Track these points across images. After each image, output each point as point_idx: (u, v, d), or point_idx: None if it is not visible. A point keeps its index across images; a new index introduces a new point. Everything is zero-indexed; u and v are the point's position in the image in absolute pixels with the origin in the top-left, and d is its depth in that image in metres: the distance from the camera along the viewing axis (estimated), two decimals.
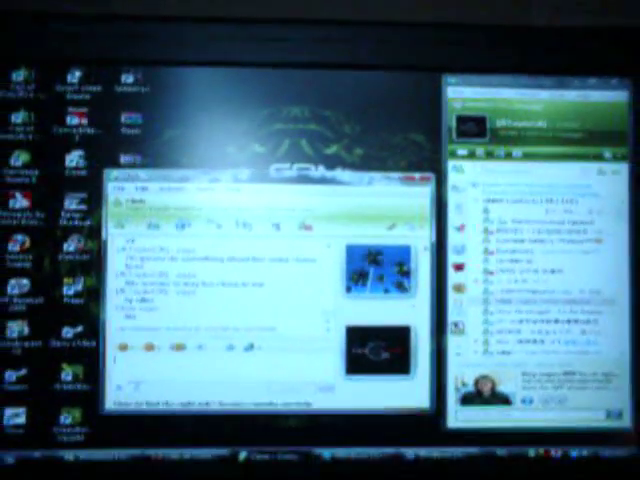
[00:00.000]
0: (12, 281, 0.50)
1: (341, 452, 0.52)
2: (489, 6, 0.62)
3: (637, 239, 0.54)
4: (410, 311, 0.53)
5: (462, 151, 0.53)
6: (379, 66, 0.52)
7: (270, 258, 0.52)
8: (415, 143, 0.53)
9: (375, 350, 0.52)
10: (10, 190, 0.51)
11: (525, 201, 0.53)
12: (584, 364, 0.53)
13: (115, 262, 0.51)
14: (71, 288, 0.51)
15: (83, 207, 0.51)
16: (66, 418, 0.51)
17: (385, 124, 0.52)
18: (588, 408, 0.53)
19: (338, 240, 0.52)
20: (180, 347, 0.51)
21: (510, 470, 0.53)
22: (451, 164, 0.53)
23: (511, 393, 0.53)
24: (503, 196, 0.53)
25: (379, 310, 0.52)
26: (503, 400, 0.53)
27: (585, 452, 0.53)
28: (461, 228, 0.53)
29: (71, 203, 0.51)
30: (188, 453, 0.51)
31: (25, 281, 0.51)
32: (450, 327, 0.53)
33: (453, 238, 0.53)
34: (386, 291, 0.52)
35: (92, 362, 0.51)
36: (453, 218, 0.53)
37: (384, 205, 0.52)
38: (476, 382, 0.53)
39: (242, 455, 0.52)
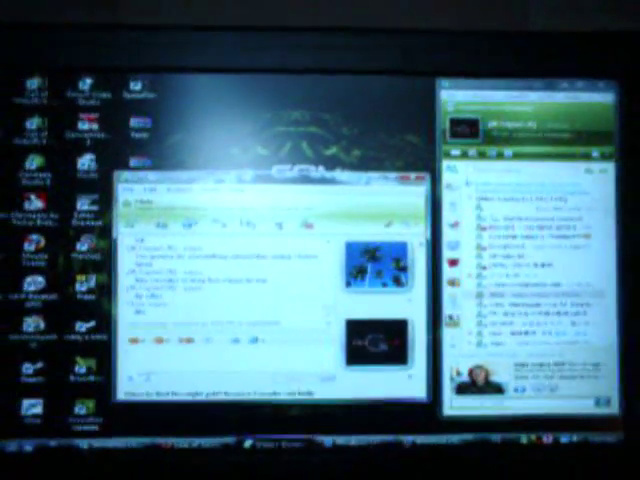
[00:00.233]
0: (28, 279, 0.52)
1: (342, 439, 0.54)
2: (486, 12, 0.64)
3: (624, 234, 0.55)
4: (407, 305, 0.54)
5: (455, 151, 0.55)
6: (376, 71, 0.54)
7: (273, 255, 0.54)
8: (411, 144, 0.55)
9: (374, 342, 0.54)
10: (25, 192, 0.53)
11: (516, 199, 0.55)
12: (574, 354, 0.55)
13: (125, 260, 0.53)
14: (84, 285, 0.53)
15: (94, 208, 0.53)
16: (80, 408, 0.53)
17: (382, 126, 0.54)
18: (578, 396, 0.55)
19: (338, 237, 0.54)
20: (188, 340, 0.53)
21: (503, 455, 0.55)
22: (445, 164, 0.55)
23: (504, 382, 0.55)
24: (495, 194, 0.55)
25: (377, 304, 0.54)
26: (496, 389, 0.55)
27: (575, 438, 0.55)
28: (455, 225, 0.55)
29: (83, 204, 0.53)
30: (196, 441, 0.54)
31: (40, 279, 0.53)
32: (445, 320, 0.55)
33: (447, 235, 0.55)
34: (384, 285, 0.54)
35: (104, 355, 0.53)
36: (447, 215, 0.55)
37: (381, 203, 0.54)
38: (470, 372, 0.55)
39: (247, 443, 0.54)
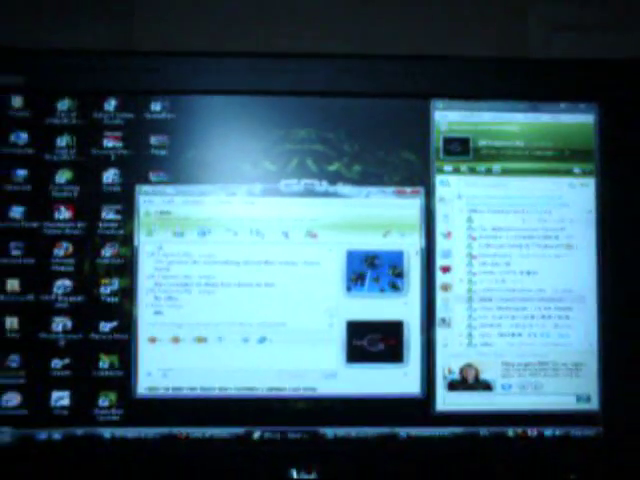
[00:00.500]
0: (57, 282, 0.57)
1: (342, 431, 0.58)
2: (483, 39, 0.68)
3: (603, 244, 0.59)
4: (403, 308, 0.58)
5: (448, 167, 0.59)
6: (375, 94, 0.59)
7: (280, 262, 0.58)
8: (407, 161, 0.59)
9: (372, 342, 0.58)
10: (55, 204, 0.57)
11: (504, 211, 0.59)
12: (557, 354, 0.59)
13: (145, 265, 0.57)
14: (107, 288, 0.57)
15: (118, 218, 0.57)
16: (104, 401, 0.57)
17: (381, 144, 0.59)
18: (560, 393, 0.59)
19: (340, 246, 0.58)
20: (202, 340, 0.57)
21: (491, 447, 0.58)
22: (438, 179, 0.59)
23: (492, 380, 0.59)
24: (485, 207, 0.59)
25: (375, 307, 0.58)
26: (485, 386, 0.59)
27: (558, 432, 0.59)
28: (448, 235, 0.59)
29: (107, 214, 0.57)
30: (209, 432, 0.58)
31: (68, 282, 0.57)
32: (438, 322, 0.59)
33: (441, 244, 0.59)
34: (382, 290, 0.58)
35: (126, 352, 0.57)
36: (440, 226, 0.59)
37: (380, 215, 0.58)
38: (461, 370, 0.59)
39: (256, 434, 0.58)
